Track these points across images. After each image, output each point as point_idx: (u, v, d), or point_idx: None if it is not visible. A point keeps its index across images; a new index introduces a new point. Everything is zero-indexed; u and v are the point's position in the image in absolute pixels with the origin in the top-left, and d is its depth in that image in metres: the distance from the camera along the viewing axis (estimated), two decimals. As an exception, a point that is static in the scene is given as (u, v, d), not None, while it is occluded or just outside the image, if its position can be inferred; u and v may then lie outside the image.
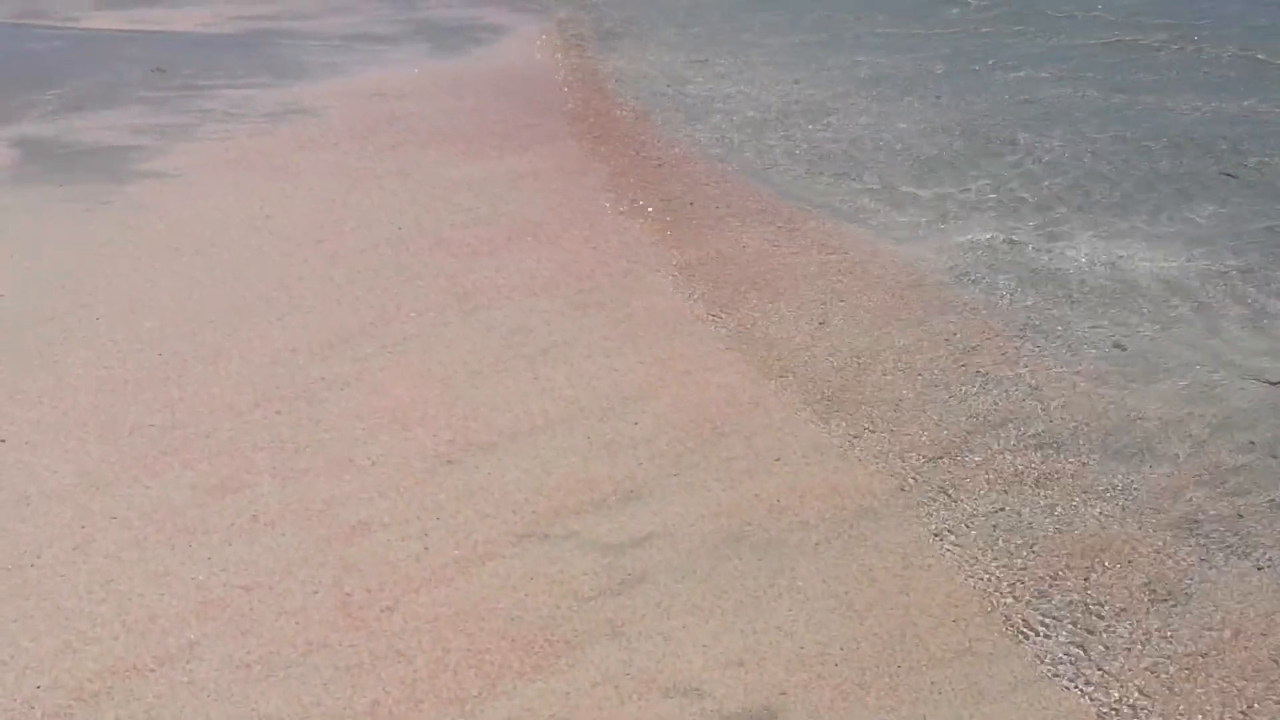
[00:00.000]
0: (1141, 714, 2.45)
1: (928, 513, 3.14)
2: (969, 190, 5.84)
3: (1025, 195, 5.72)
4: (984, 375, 3.90)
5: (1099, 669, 2.59)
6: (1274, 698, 2.50)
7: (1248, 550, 3.00)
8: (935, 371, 3.91)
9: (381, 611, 2.71)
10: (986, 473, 3.34)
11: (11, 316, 4.15)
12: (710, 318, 4.35)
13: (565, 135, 6.75)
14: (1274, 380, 3.85)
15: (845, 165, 6.29)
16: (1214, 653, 2.62)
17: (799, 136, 6.82)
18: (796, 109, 7.44)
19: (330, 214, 5.28)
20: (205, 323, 4.13)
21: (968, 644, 2.64)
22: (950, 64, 8.61)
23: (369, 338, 4.08)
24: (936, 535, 3.05)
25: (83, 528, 2.99)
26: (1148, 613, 2.76)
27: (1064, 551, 3.00)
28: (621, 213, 5.43)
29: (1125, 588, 2.85)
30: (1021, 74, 8.22)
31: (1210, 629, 2.71)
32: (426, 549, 2.96)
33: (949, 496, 3.23)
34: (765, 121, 7.15)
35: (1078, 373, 3.92)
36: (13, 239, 4.91)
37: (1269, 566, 2.93)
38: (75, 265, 4.60)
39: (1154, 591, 2.84)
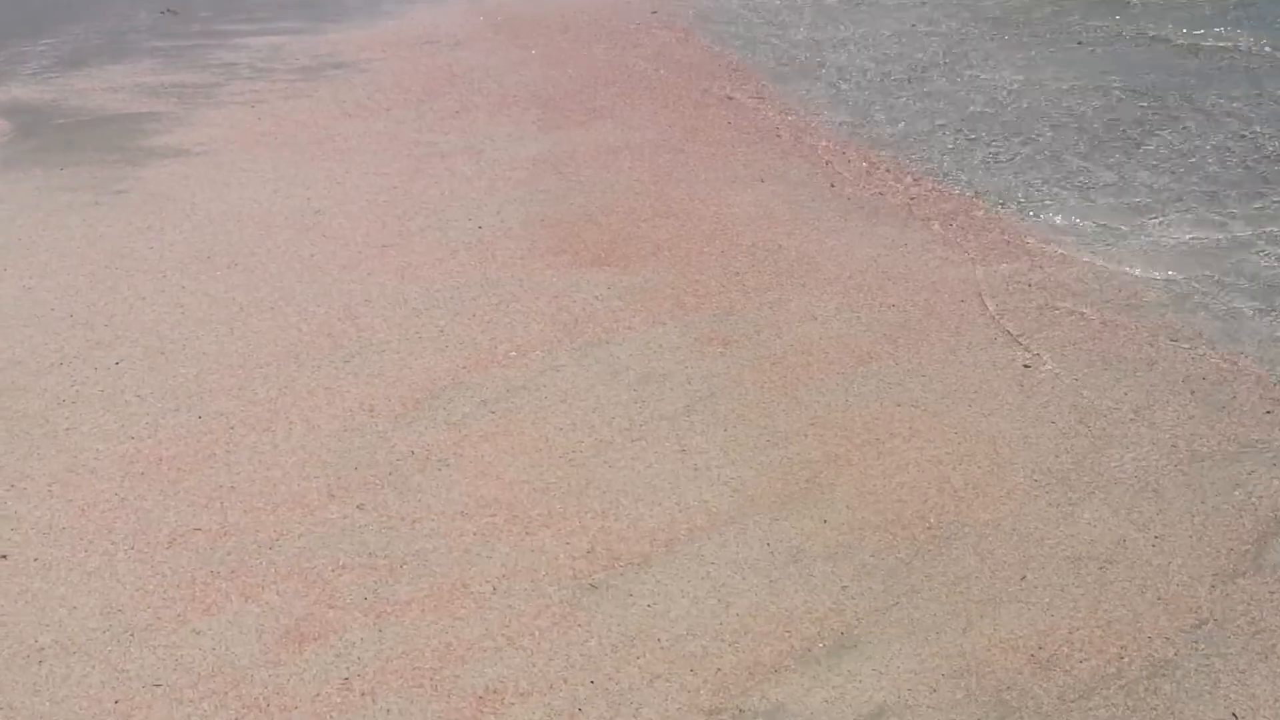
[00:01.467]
0: None
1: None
2: (1156, 169, 4.93)
3: (1225, 175, 4.81)
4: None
5: None
6: None
7: None
8: (1198, 450, 3.09)
9: None
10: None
11: (9, 364, 3.41)
12: (885, 355, 3.54)
13: (653, 94, 5.86)
14: None
15: (999, 136, 5.39)
16: None
17: (936, 97, 5.89)
18: (923, 60, 6.49)
19: (393, 208, 4.49)
20: (255, 369, 3.38)
21: None
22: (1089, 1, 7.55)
23: (464, 390, 3.32)
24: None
25: (116, 703, 2.29)
26: None
27: None
28: (748, 203, 4.58)
29: None
30: (1182, 15, 7.17)
31: None
32: (586, 739, 2.25)
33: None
34: (890, 77, 6.21)
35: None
36: (5, 248, 4.14)
37: None
38: (85, 285, 3.85)
39: None
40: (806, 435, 3.13)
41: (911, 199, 4.67)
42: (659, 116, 5.60)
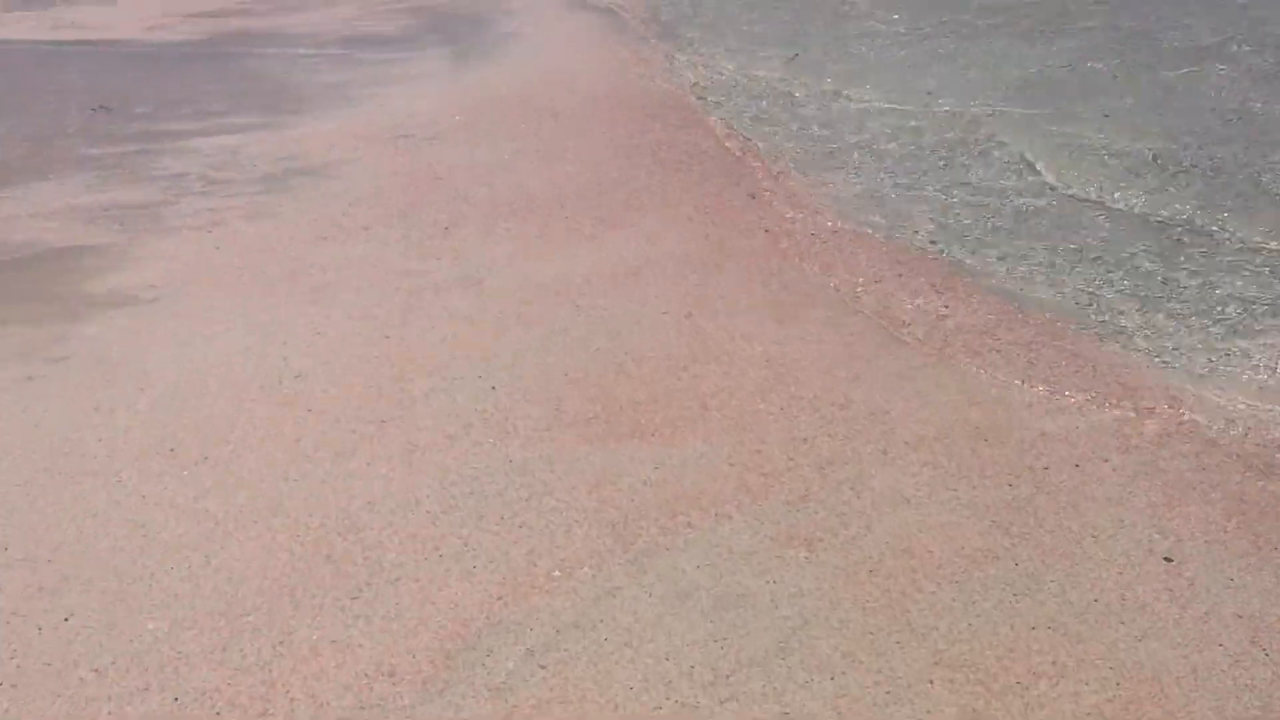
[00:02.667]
0: None
1: None
2: (1242, 271, 4.63)
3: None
4: None
5: None
6: None
7: None
8: None
9: None
10: None
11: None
12: (1002, 552, 3.13)
13: (666, 193, 5.49)
14: None
15: (1057, 236, 5.06)
16: None
17: (978, 189, 5.57)
18: (950, 136, 6.20)
19: (387, 365, 4.04)
20: (241, 618, 2.89)
21: None
22: (1119, 59, 7.33)
23: (503, 634, 2.86)
24: None
25: None
26: None
27: None
28: (799, 338, 4.18)
29: None
30: (1223, 76, 6.96)
31: None
32: None
33: None
34: (917, 158, 5.89)
35: None
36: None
37: None
38: (20, 500, 3.34)
39: None
40: (933, 681, 2.71)
41: (983, 326, 4.30)
42: (678, 223, 5.21)
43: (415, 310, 4.44)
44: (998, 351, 4.13)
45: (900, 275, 4.73)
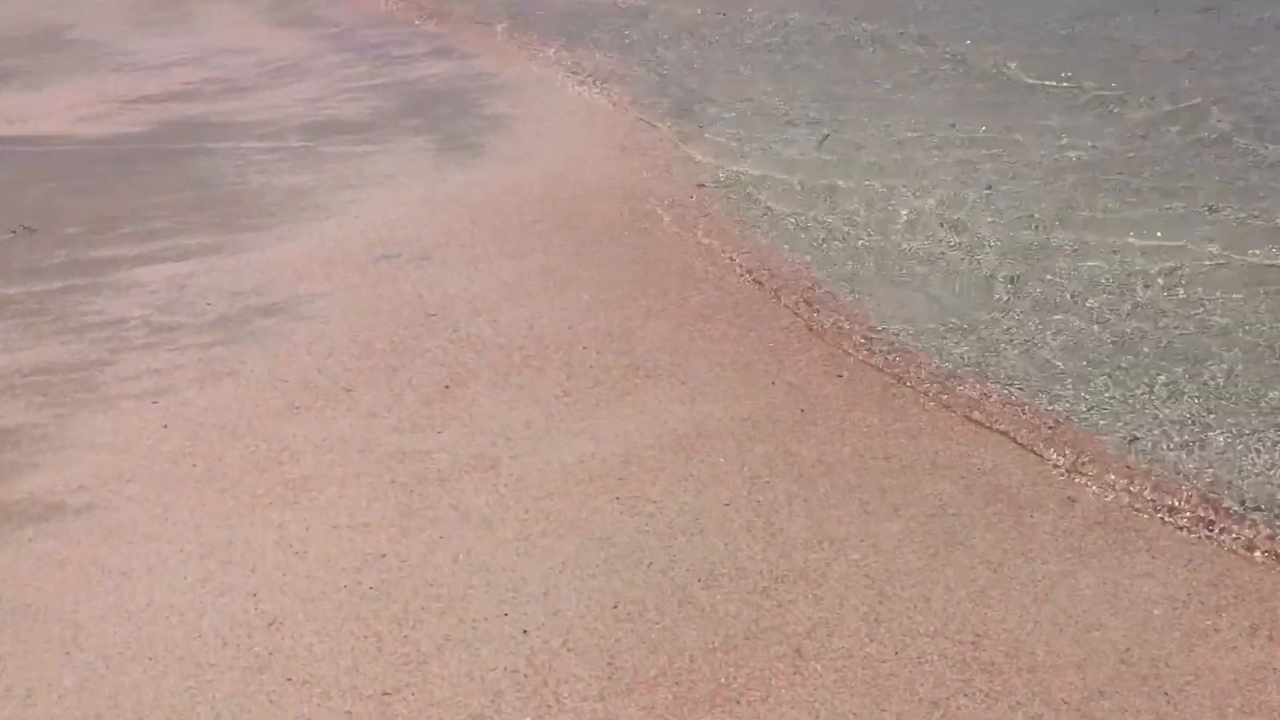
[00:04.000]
0: None
1: None
2: None
3: None
4: None
5: None
6: None
7: None
8: None
9: None
10: None
11: None
12: None
13: (708, 327, 4.90)
14: None
15: (1187, 372, 4.48)
16: None
17: (1062, 309, 5.02)
18: (1031, 241, 5.65)
19: (386, 602, 3.39)
20: None
21: None
22: (1213, 151, 6.80)
23: None
24: None
25: None
26: None
27: None
28: (900, 538, 3.53)
29: None
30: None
31: None
32: None
33: None
34: (991, 284, 5.32)
35: None
36: None
37: None
38: None
39: None
40: None
41: (1169, 505, 3.68)
42: (725, 369, 4.61)
43: (417, 513, 3.77)
44: (1205, 542, 3.50)
45: (1021, 432, 4.11)
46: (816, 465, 3.98)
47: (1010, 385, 4.51)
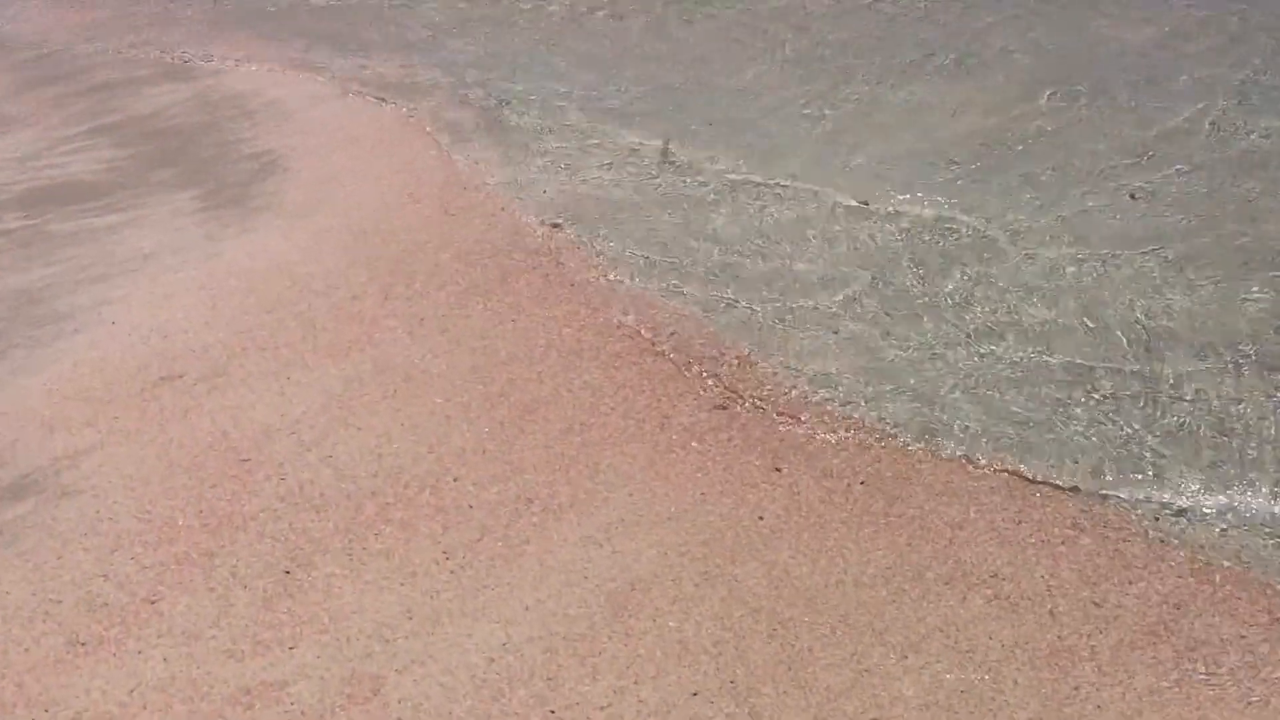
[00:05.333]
0: None
1: None
2: None
3: None
4: None
5: None
6: None
7: None
8: None
9: None
10: None
11: None
12: None
13: (595, 414, 4.14)
14: None
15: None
16: None
17: (1030, 369, 4.59)
18: (932, 271, 5.21)
19: None
20: None
21: None
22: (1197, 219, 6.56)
23: None
24: None
25: None
26: None
27: None
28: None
29: None
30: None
31: None
32: None
33: None
34: (909, 290, 4.84)
35: None
36: None
37: None
38: None
39: None
40: None
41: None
42: (642, 478, 3.89)
43: (284, 796, 2.88)
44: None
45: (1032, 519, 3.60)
46: (788, 616, 3.34)
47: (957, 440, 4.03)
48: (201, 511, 3.91)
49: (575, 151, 6.67)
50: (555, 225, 5.67)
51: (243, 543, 3.76)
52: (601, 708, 3.08)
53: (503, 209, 6.00)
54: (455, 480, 3.99)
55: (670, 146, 6.45)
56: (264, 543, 3.75)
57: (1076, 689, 3.07)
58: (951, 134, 6.37)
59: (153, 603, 3.55)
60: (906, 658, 3.18)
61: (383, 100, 7.84)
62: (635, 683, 3.14)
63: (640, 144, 6.66)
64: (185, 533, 3.82)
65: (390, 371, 4.65)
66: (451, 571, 3.58)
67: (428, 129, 7.20)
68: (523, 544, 3.68)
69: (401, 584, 3.54)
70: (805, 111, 6.87)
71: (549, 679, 3.17)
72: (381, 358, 4.75)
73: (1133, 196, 5.27)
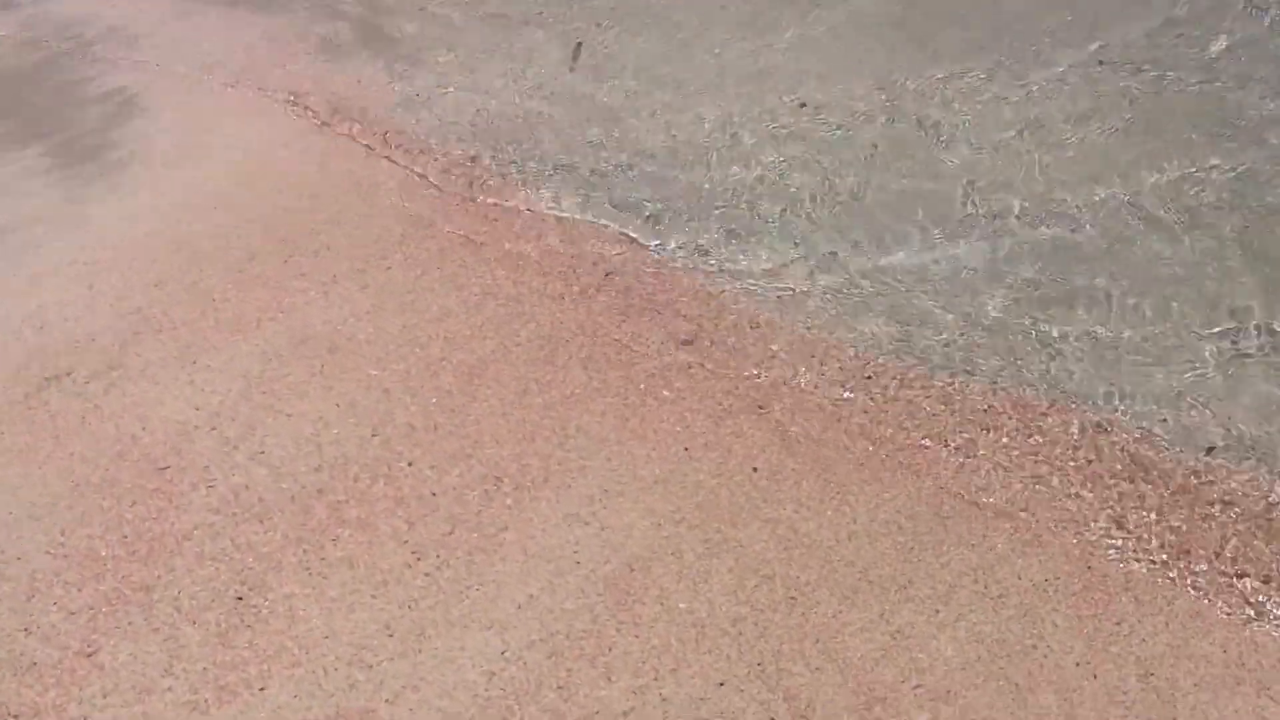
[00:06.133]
0: None
1: None
2: None
3: None
4: None
5: None
6: None
7: None
8: None
9: None
10: None
11: None
12: None
13: (577, 399, 3.85)
14: None
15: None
16: None
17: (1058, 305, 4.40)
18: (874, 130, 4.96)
19: None
20: None
21: None
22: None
23: None
24: None
25: None
26: None
27: None
28: None
29: None
30: None
31: None
32: None
33: None
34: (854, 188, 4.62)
35: None
36: None
37: None
38: None
39: None
40: None
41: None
42: (616, 437, 3.62)
43: None
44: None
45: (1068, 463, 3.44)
46: (809, 562, 3.14)
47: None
48: (125, 537, 3.50)
49: (471, 62, 6.13)
50: (471, 158, 5.19)
51: (181, 569, 3.37)
52: (624, 713, 2.85)
53: (403, 136, 5.49)
54: (410, 465, 3.65)
55: (581, 47, 5.96)
56: (206, 566, 3.37)
57: (1119, 624, 2.97)
58: (882, 13, 6.03)
59: (89, 655, 3.16)
60: (938, 612, 3.03)
61: (238, 18, 7.09)
62: (655, 679, 2.92)
63: (541, 48, 6.15)
64: (111, 565, 3.41)
65: (311, 342, 4.22)
66: (427, 574, 3.27)
67: (302, 47, 6.54)
68: (499, 531, 3.39)
69: (373, 596, 3.22)
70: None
71: (560, 687, 2.93)
72: (298, 327, 4.31)
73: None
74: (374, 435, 3.78)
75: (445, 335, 4.19)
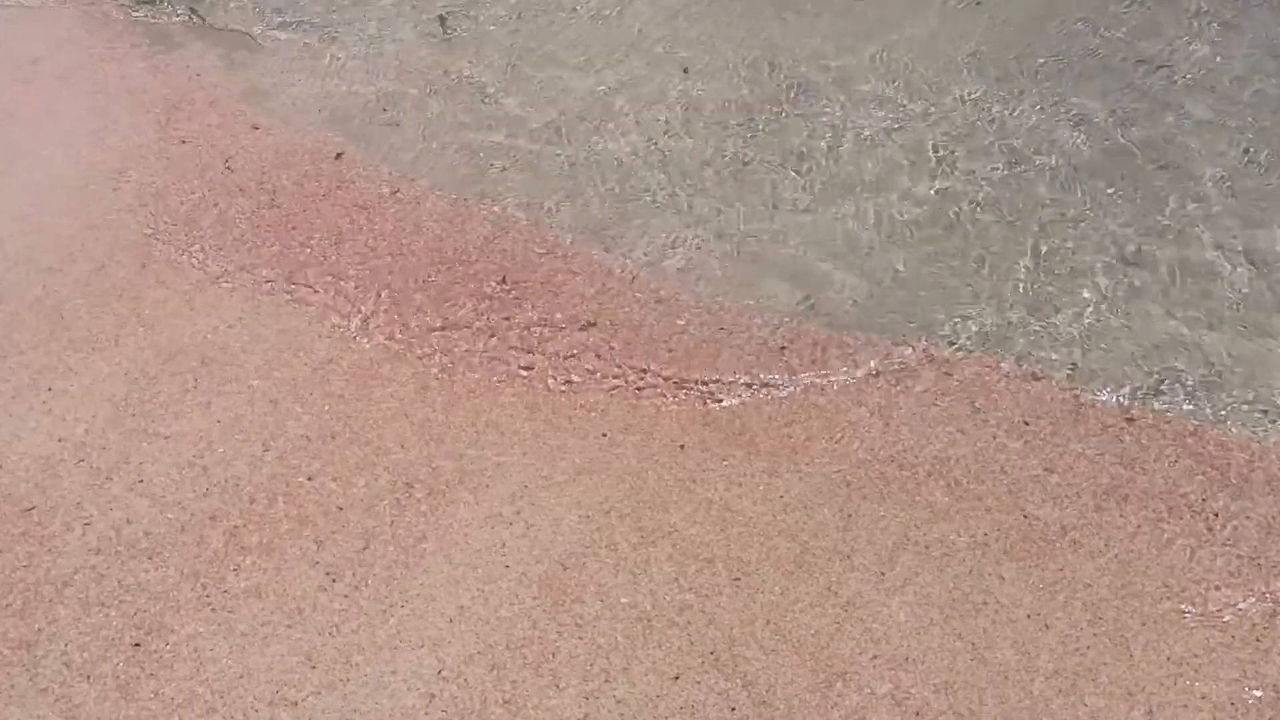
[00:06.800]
0: None
1: None
2: None
3: None
4: None
5: None
6: None
7: None
8: None
9: None
10: None
11: None
12: None
13: (470, 394, 3.70)
14: None
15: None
16: None
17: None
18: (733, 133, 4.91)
19: None
20: None
21: None
22: None
23: None
24: None
25: None
26: None
27: None
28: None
29: None
30: None
31: None
32: None
33: None
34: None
35: None
36: None
37: None
38: None
39: None
40: None
41: None
42: (530, 431, 3.49)
43: None
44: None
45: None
46: (748, 540, 3.07)
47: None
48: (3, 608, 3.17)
49: (317, 45, 5.79)
50: (338, 155, 4.89)
51: (65, 619, 3.07)
52: (579, 721, 2.74)
53: (255, 128, 5.15)
54: (310, 479, 3.42)
55: (447, 19, 5.68)
56: (93, 613, 3.08)
57: (1061, 570, 3.00)
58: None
59: (-31, 728, 2.85)
60: (884, 576, 3.00)
61: (68, 7, 6.54)
62: (606, 681, 2.81)
63: (396, 24, 5.86)
64: (-19, 624, 3.09)
65: (180, 356, 3.91)
66: (345, 596, 3.07)
67: (124, 34, 6.07)
68: (418, 541, 3.20)
69: (288, 626, 3.01)
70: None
71: (506, 702, 2.78)
72: (164, 340, 3.99)
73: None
74: (266, 451, 3.53)
75: (329, 335, 3.95)
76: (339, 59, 5.65)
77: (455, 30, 5.49)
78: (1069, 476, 3.25)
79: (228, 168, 4.87)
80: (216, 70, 5.64)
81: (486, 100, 5.22)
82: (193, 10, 6.13)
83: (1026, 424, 3.43)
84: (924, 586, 2.98)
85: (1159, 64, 4.77)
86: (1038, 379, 3.59)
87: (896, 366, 3.69)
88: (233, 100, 5.37)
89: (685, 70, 5.09)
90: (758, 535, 3.14)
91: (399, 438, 3.53)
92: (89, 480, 3.49)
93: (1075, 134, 4.53)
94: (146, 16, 6.27)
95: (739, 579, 3.03)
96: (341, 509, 3.32)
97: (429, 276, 4.19)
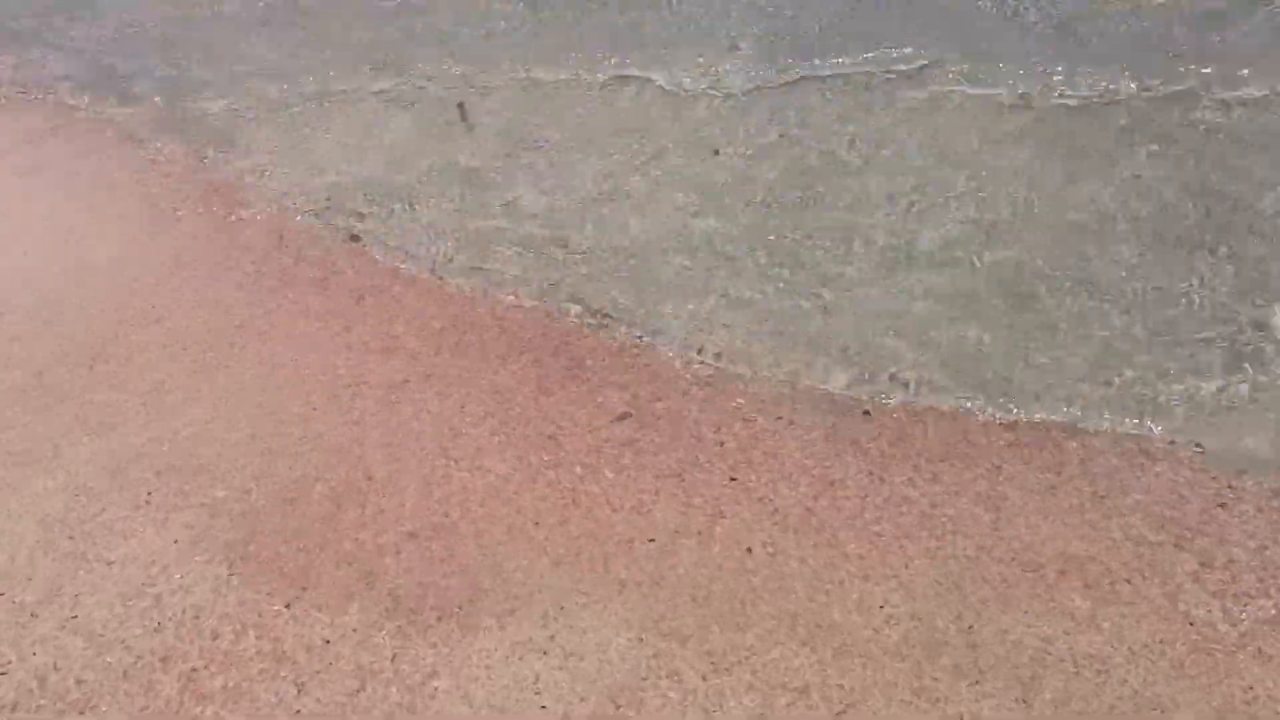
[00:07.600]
0: None
1: None
2: None
3: None
4: None
5: None
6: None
7: None
8: None
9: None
10: None
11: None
12: None
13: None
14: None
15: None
16: None
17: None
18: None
19: None
20: None
21: None
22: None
23: None
24: None
25: None
26: None
27: None
28: None
29: None
30: None
31: None
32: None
33: None
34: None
35: None
36: None
37: None
38: None
39: None
40: None
41: None
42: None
43: None
44: None
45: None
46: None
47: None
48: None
49: (308, 132, 5.36)
50: (354, 238, 4.37)
51: (-33, 795, 2.39)
52: None
53: (248, 214, 4.65)
54: (288, 606, 2.78)
55: (466, 106, 5.23)
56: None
57: (1250, 690, 2.38)
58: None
59: None
60: (1028, 705, 2.37)
61: (25, 95, 6.12)
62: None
63: (386, 105, 5.45)
64: None
65: (132, 467, 3.30)
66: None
67: (102, 130, 5.62)
68: (426, 679, 2.55)
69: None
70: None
71: None
72: (113, 450, 3.38)
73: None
74: (230, 572, 2.89)
75: (302, 434, 3.35)
76: (335, 144, 5.21)
77: (475, 124, 5.04)
78: (1234, 571, 2.66)
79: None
80: (187, 164, 5.19)
81: (484, 186, 4.76)
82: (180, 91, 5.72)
83: (1166, 513, 2.85)
84: (1079, 714, 2.36)
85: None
86: (1167, 458, 3.04)
87: (999, 448, 3.13)
88: (197, 190, 4.89)
89: (716, 151, 4.65)
90: (859, 655, 2.51)
91: (398, 551, 2.90)
92: (9, 618, 2.82)
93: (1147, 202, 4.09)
94: (118, 112, 5.84)
95: (842, 713, 2.39)
96: (328, 642, 2.67)
97: (440, 362, 3.63)
